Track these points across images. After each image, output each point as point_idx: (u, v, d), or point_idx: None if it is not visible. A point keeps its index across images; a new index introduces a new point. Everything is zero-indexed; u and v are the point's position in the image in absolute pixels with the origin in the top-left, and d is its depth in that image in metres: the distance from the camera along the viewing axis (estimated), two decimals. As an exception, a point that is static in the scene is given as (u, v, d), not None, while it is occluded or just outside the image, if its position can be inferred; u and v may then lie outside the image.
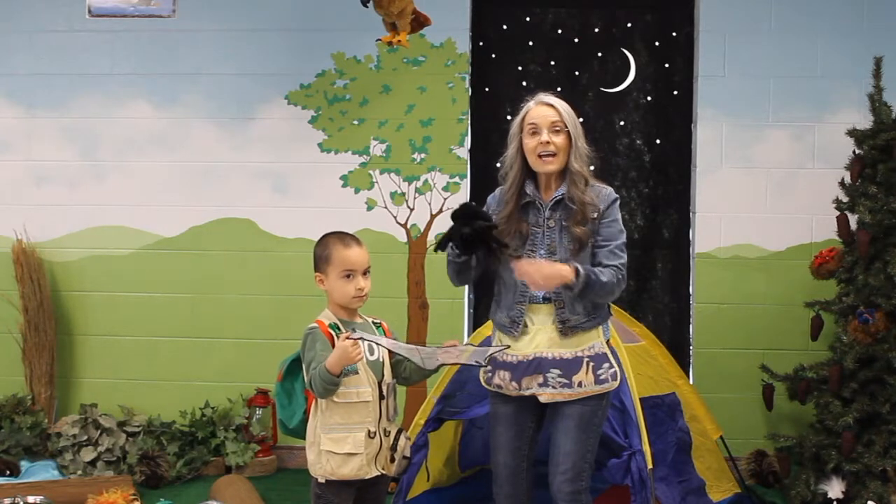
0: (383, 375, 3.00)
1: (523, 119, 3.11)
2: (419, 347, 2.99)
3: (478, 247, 2.99)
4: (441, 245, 3.06)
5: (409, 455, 3.04)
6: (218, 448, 4.92)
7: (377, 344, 2.98)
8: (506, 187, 3.15)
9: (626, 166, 5.23)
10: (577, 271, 2.94)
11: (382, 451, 2.96)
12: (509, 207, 3.11)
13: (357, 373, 2.92)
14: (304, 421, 3.01)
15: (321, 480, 2.95)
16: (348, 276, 2.96)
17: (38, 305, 5.07)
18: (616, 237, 3.08)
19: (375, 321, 3.11)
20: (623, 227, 3.12)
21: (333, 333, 2.93)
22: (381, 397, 2.96)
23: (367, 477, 2.94)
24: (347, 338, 2.81)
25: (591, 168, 3.16)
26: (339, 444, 2.91)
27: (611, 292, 3.04)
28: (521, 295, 3.06)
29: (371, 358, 2.97)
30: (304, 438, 3.01)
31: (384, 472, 2.99)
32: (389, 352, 3.03)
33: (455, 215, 3.01)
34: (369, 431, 2.92)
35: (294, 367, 3.06)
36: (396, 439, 2.99)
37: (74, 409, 5.09)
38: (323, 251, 3.01)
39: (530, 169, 3.12)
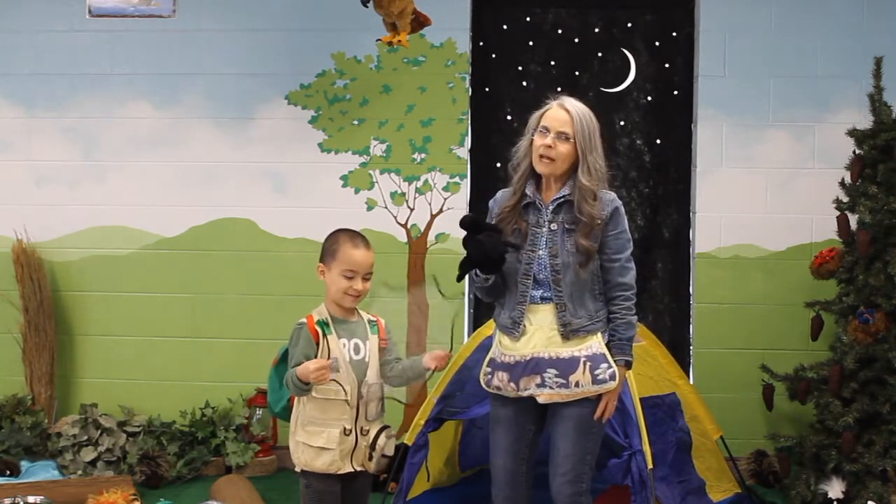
0: (365, 375, 3.01)
1: (541, 117, 3.08)
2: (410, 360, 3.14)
3: (495, 260, 2.97)
4: (462, 274, 3.06)
5: (389, 454, 3.03)
6: (218, 448, 4.92)
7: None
8: (514, 179, 3.13)
9: (626, 166, 5.22)
10: (627, 364, 3.05)
11: (359, 448, 2.98)
12: (514, 199, 3.10)
13: (338, 370, 2.94)
14: (288, 408, 3.06)
15: (298, 470, 3.02)
16: (349, 277, 2.99)
17: (38, 305, 5.07)
18: (625, 249, 3.07)
19: (371, 319, 3.13)
20: (629, 235, 3.10)
21: (320, 331, 2.98)
22: (361, 396, 2.98)
23: (340, 472, 2.96)
24: (321, 363, 2.84)
25: (604, 176, 3.08)
26: (313, 437, 2.96)
27: (635, 320, 3.09)
28: (522, 295, 3.05)
29: (356, 357, 3.00)
30: (289, 422, 3.07)
31: (363, 469, 3.01)
32: (380, 352, 3.07)
33: (465, 227, 2.99)
34: (344, 429, 2.95)
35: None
36: (377, 438, 2.99)
37: (74, 409, 5.09)
38: (332, 245, 3.04)
39: None
